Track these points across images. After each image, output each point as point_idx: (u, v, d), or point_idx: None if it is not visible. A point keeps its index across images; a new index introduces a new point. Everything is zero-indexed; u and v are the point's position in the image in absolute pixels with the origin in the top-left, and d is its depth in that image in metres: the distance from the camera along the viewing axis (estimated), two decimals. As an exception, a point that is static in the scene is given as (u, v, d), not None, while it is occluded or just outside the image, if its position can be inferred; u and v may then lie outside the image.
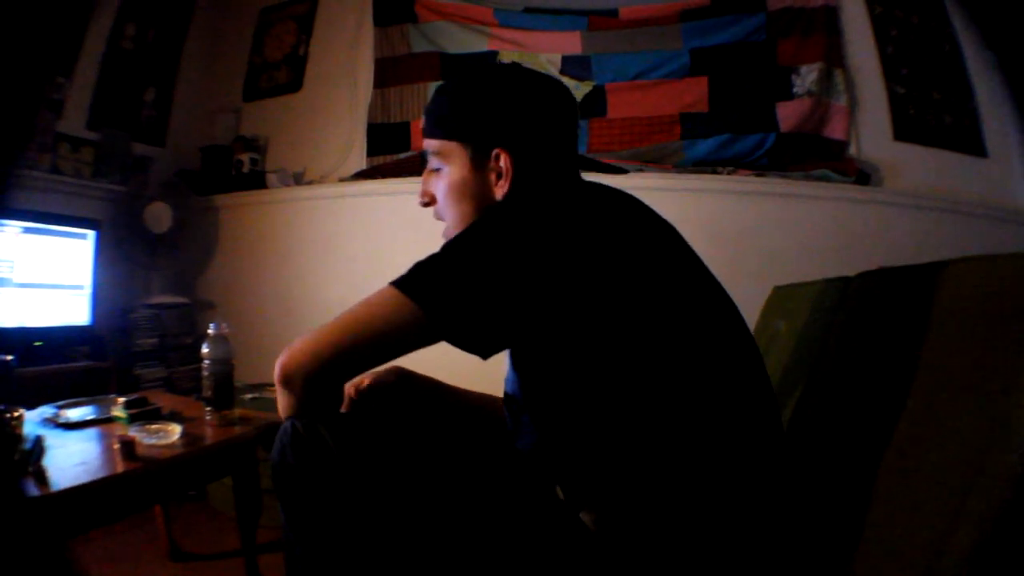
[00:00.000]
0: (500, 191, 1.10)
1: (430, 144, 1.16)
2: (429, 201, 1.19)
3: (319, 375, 0.97)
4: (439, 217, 1.19)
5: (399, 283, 0.94)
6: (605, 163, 1.25)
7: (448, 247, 0.98)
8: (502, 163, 1.09)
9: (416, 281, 0.94)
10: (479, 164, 1.11)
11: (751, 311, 2.14)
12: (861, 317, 1.42)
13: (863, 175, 3.10)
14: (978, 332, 0.99)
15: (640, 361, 0.93)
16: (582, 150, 3.33)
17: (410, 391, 1.33)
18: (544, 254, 0.93)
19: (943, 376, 1.02)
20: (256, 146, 3.94)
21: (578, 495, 1.02)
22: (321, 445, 0.98)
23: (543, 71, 1.19)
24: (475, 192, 1.12)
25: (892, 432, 1.08)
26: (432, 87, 3.52)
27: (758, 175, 3.13)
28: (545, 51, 3.50)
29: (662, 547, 0.91)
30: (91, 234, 3.21)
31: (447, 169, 1.14)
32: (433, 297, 0.92)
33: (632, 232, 1.00)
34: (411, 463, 1.01)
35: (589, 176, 1.20)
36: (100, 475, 1.55)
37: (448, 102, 1.15)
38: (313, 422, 0.99)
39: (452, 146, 1.13)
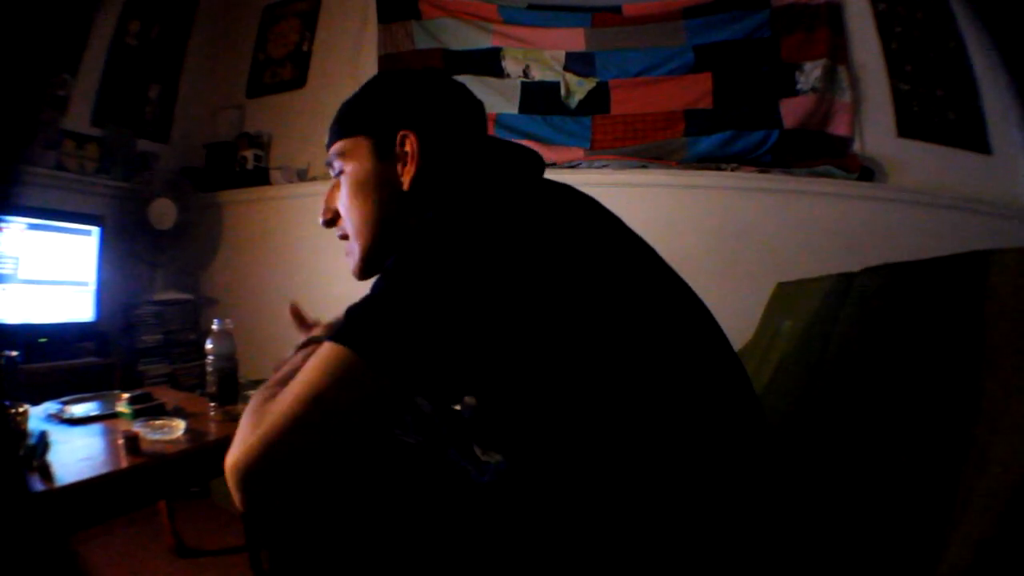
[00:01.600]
0: (407, 177, 1.02)
1: (332, 150, 1.09)
2: (332, 218, 1.12)
3: (277, 482, 0.80)
4: (343, 235, 1.12)
5: (337, 338, 0.80)
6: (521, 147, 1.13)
7: (384, 283, 0.84)
8: (408, 147, 1.02)
9: (354, 331, 0.80)
10: (384, 153, 1.04)
11: (755, 307, 2.15)
12: (866, 312, 1.41)
13: (867, 171, 3.10)
14: (976, 327, 0.98)
15: (608, 376, 0.84)
16: (585, 146, 3.35)
17: None
18: (487, 275, 0.81)
19: (1006, 376, 0.95)
20: (260, 143, 3.94)
21: (545, 525, 0.89)
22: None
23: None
24: (380, 184, 1.05)
25: (893, 427, 1.07)
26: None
27: (762, 171, 3.13)
28: (549, 48, 3.49)
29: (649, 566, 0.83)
30: (95, 230, 3.22)
31: (349, 167, 1.07)
32: (376, 348, 0.79)
33: (579, 233, 0.91)
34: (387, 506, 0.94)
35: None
36: (104, 470, 1.56)
37: (347, 105, 1.11)
38: None
39: (354, 141, 1.07)
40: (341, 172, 1.09)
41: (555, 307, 0.83)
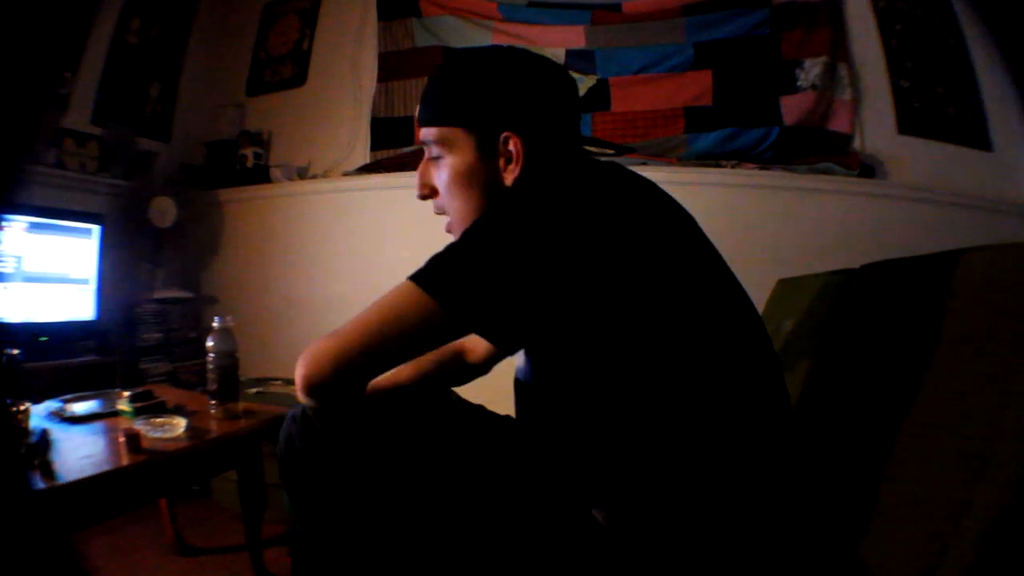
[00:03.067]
0: (511, 176, 1.05)
1: (429, 133, 1.10)
2: (429, 193, 1.15)
3: (343, 382, 0.94)
4: (440, 210, 1.14)
5: (417, 278, 0.91)
6: (614, 143, 1.18)
7: (465, 237, 0.94)
8: (512, 147, 1.04)
9: (434, 275, 0.91)
10: (487, 150, 1.06)
11: (756, 303, 2.14)
12: (867, 309, 1.42)
13: (867, 168, 3.10)
14: (994, 322, 0.99)
15: (657, 351, 0.91)
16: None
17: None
18: (563, 242, 0.89)
19: (957, 366, 1.02)
20: (260, 141, 3.94)
21: (590, 491, 1.00)
22: (330, 432, 0.99)
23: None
24: (484, 180, 1.07)
25: (902, 421, 1.08)
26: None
27: (762, 168, 3.12)
28: (549, 45, 3.48)
29: (675, 543, 0.91)
30: (96, 229, 3.21)
31: (449, 158, 1.09)
32: (451, 292, 0.90)
33: (650, 218, 0.96)
34: (420, 453, 1.01)
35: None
36: (105, 468, 1.56)
37: (448, 87, 1.09)
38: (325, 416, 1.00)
39: (455, 132, 1.07)
40: (439, 156, 1.11)
41: (614, 274, 0.89)
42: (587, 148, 1.17)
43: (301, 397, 0.96)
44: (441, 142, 1.09)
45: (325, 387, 0.94)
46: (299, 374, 0.94)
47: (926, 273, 1.20)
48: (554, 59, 3.32)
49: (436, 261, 0.93)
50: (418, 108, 1.13)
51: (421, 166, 1.15)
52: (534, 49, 3.35)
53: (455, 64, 1.12)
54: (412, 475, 1.00)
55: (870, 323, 1.37)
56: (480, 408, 1.28)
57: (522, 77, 1.08)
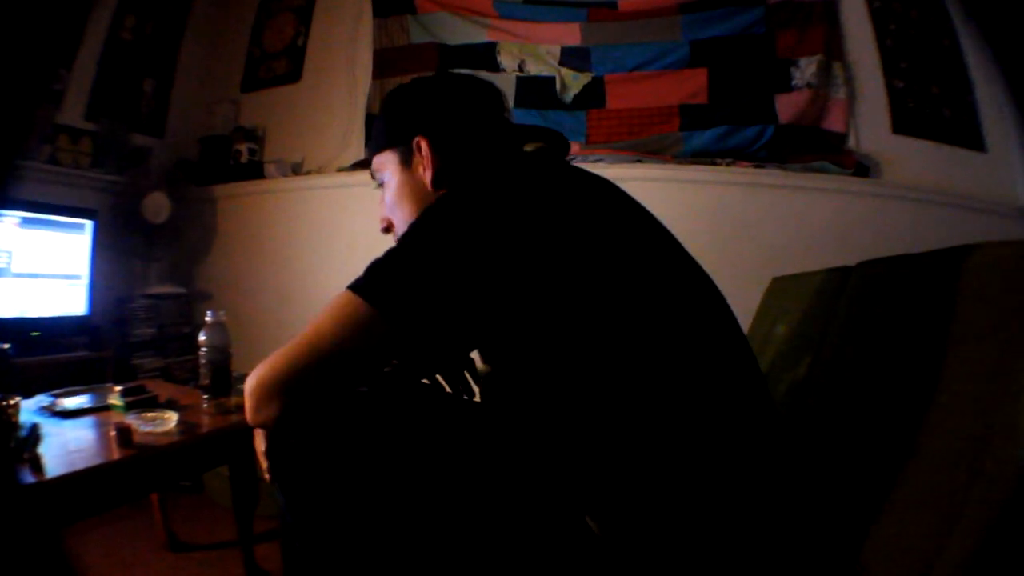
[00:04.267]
0: (427, 177, 1.11)
1: (372, 168, 1.20)
2: (387, 226, 1.21)
3: (284, 400, 0.94)
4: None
5: (354, 286, 0.93)
6: (550, 132, 1.22)
7: (399, 242, 0.97)
8: (422, 148, 1.11)
9: (370, 283, 0.92)
10: (408, 161, 1.13)
11: (750, 302, 2.15)
12: (862, 306, 1.42)
13: (861, 167, 3.10)
14: (993, 321, 0.98)
15: (610, 347, 0.89)
16: (581, 140, 3.35)
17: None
18: (493, 236, 0.90)
19: (957, 365, 1.01)
20: (255, 136, 3.93)
21: (583, 499, 0.95)
22: (322, 424, 0.98)
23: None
24: (412, 190, 1.13)
25: (892, 420, 1.08)
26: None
27: (757, 167, 3.12)
28: (544, 42, 3.49)
29: (667, 550, 0.89)
30: (89, 224, 3.21)
31: (386, 181, 1.17)
32: (388, 297, 0.90)
33: (585, 209, 0.96)
34: (413, 449, 0.99)
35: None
36: (96, 462, 1.56)
37: (376, 123, 1.20)
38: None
39: (384, 156, 1.16)
40: (382, 184, 1.19)
41: (553, 268, 0.89)
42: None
43: (249, 411, 0.97)
44: (378, 169, 1.19)
45: (269, 410, 0.94)
46: (245, 392, 0.95)
47: (928, 270, 1.20)
48: (549, 56, 3.39)
49: (372, 268, 0.94)
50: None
51: (379, 205, 1.21)
52: (529, 47, 3.43)
53: (382, 102, 1.22)
54: (401, 478, 0.96)
55: (865, 321, 1.37)
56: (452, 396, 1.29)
57: (428, 89, 1.17)
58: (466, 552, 0.93)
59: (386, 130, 1.17)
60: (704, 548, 0.88)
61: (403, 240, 0.95)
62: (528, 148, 1.18)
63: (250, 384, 0.95)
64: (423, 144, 1.10)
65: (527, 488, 0.96)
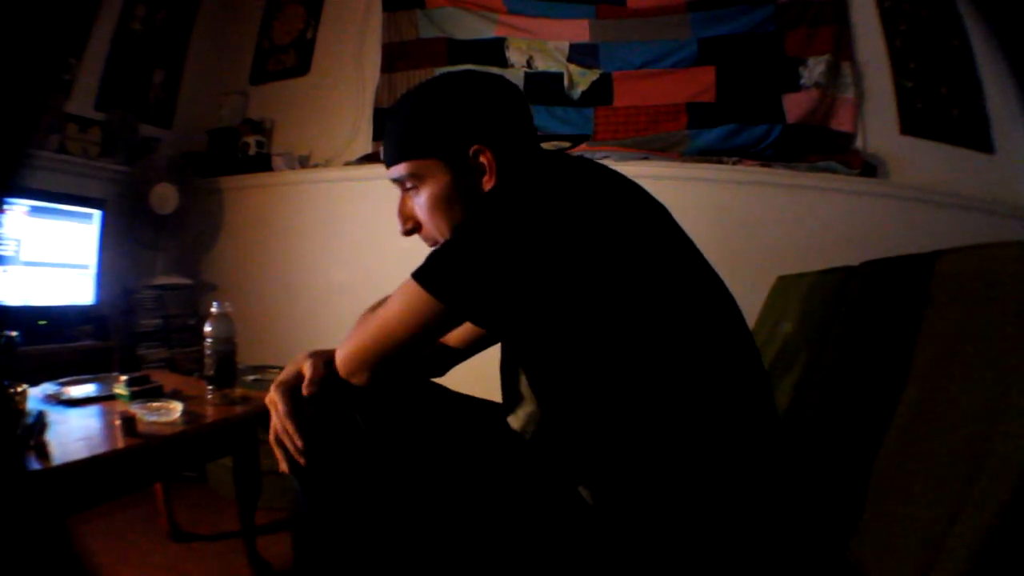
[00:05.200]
0: (489, 186, 1.10)
1: (398, 169, 1.14)
2: (413, 227, 1.18)
3: (372, 374, 1.07)
4: (429, 240, 1.17)
5: (420, 278, 0.99)
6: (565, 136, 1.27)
7: (457, 236, 1.01)
8: (483, 159, 1.09)
9: (434, 276, 0.98)
10: (460, 169, 1.10)
11: (755, 300, 2.15)
12: (864, 305, 1.42)
13: (869, 168, 3.09)
14: (974, 320, 0.99)
15: (639, 339, 0.95)
16: (588, 137, 3.37)
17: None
18: (546, 233, 0.93)
19: (942, 363, 1.02)
20: (262, 129, 3.94)
21: (576, 469, 1.04)
22: (348, 422, 1.08)
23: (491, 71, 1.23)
24: (462, 195, 1.11)
25: (891, 419, 1.08)
26: (439, 72, 3.50)
27: (764, 166, 3.12)
28: (553, 38, 3.49)
29: (659, 522, 0.94)
30: (97, 214, 3.23)
31: (425, 187, 1.13)
32: (452, 291, 0.97)
33: (626, 209, 1.01)
34: (417, 442, 1.08)
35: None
36: (101, 450, 1.57)
37: (408, 122, 1.13)
38: (341, 402, 1.08)
39: (427, 164, 1.11)
40: (413, 188, 1.15)
41: (597, 266, 0.94)
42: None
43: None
44: (414, 175, 1.13)
45: (357, 378, 1.08)
46: (342, 373, 1.09)
47: (914, 270, 1.21)
48: (558, 52, 3.39)
49: (434, 261, 1.00)
50: (382, 149, 1.21)
51: (400, 203, 1.18)
52: (537, 43, 3.43)
53: (411, 99, 1.16)
54: (408, 464, 1.07)
55: (867, 320, 1.38)
56: (468, 397, 1.32)
57: (473, 93, 1.14)
58: (461, 524, 1.03)
59: (429, 137, 1.11)
60: (695, 520, 0.94)
61: (461, 234, 1.00)
62: (547, 146, 1.21)
63: (340, 356, 1.09)
64: (487, 155, 1.09)
65: (521, 461, 1.09)
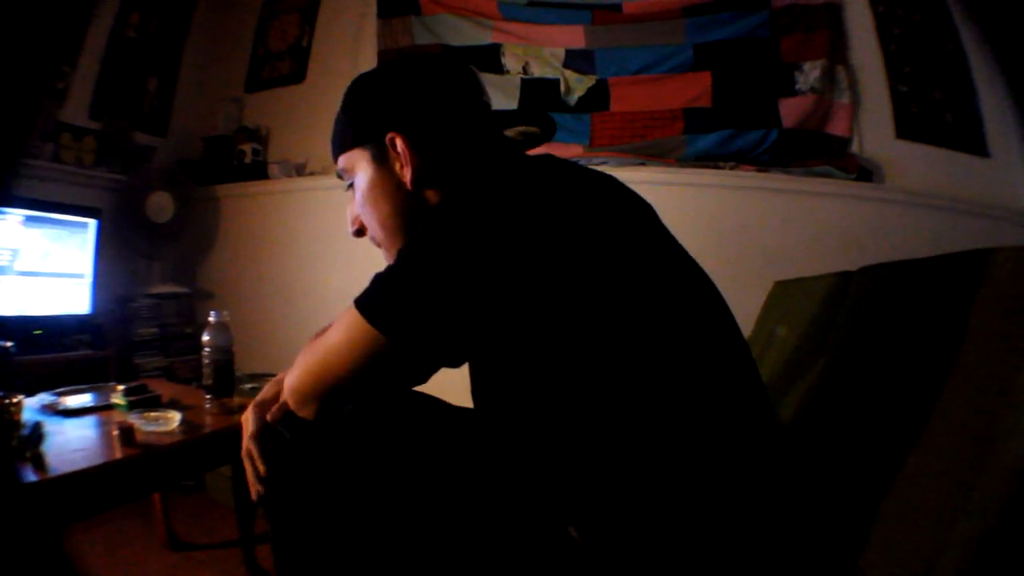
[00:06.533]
0: (407, 176, 1.03)
1: (337, 167, 1.13)
2: (359, 227, 1.14)
3: (320, 407, 0.99)
4: (374, 242, 1.14)
5: (361, 306, 0.90)
6: (534, 113, 1.16)
7: (400, 261, 0.91)
8: (398, 147, 1.03)
9: (376, 305, 0.90)
10: (381, 159, 1.06)
11: (752, 306, 2.15)
12: (863, 310, 1.42)
13: (864, 172, 3.10)
14: (995, 326, 0.98)
15: (619, 359, 0.86)
16: (584, 143, 3.36)
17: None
18: (499, 253, 0.85)
19: (974, 369, 0.99)
20: (258, 136, 3.94)
21: (565, 508, 0.92)
22: (309, 453, 0.99)
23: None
24: (387, 188, 1.06)
25: (921, 431, 1.05)
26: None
27: (760, 171, 3.13)
28: (548, 45, 3.49)
29: (652, 557, 0.86)
30: (92, 223, 3.22)
31: (355, 180, 1.10)
32: (397, 324, 0.88)
33: (599, 219, 0.90)
34: (397, 471, 0.96)
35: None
36: (98, 461, 1.56)
37: (340, 119, 1.12)
38: (303, 431, 1.01)
39: (353, 155, 1.09)
40: (350, 185, 1.12)
41: (561, 283, 0.85)
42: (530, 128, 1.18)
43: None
44: (347, 169, 1.12)
45: (302, 411, 1.00)
46: (290, 404, 1.02)
47: (932, 274, 1.20)
48: (553, 58, 3.39)
49: (377, 287, 0.92)
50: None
51: (348, 206, 1.15)
52: (533, 49, 3.43)
53: (346, 92, 1.13)
54: (388, 495, 0.96)
55: (866, 326, 1.37)
56: (452, 408, 1.15)
57: (396, 77, 1.09)
58: (451, 559, 0.92)
59: (353, 126, 1.09)
60: (687, 556, 0.85)
61: (408, 260, 0.90)
62: (509, 134, 1.14)
63: (285, 389, 1.02)
64: (399, 141, 1.02)
65: (513, 496, 0.93)
